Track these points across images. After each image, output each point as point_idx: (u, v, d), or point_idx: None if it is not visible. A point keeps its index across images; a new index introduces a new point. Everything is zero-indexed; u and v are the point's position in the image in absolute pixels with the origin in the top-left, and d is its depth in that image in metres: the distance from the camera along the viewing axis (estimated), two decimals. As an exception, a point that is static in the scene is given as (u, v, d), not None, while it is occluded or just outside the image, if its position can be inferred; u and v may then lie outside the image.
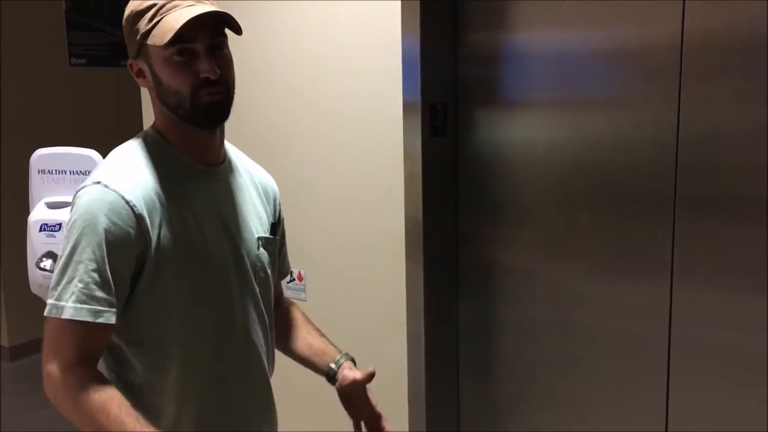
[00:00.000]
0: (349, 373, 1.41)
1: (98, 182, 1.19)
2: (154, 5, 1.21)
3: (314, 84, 2.19)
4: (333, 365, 1.44)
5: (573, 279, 2.02)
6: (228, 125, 1.32)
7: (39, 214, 2.22)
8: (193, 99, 1.22)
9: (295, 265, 2.29)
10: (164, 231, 1.21)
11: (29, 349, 4.50)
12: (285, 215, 2.26)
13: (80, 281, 1.15)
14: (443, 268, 2.15)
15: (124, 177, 1.21)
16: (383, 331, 2.16)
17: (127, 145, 1.30)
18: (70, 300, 1.15)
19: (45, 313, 1.18)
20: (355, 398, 1.41)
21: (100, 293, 1.16)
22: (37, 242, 2.19)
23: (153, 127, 1.32)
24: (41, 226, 2.18)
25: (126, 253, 1.18)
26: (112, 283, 1.17)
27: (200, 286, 1.26)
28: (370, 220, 2.14)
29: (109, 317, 1.17)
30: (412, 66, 2.00)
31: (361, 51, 2.09)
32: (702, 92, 1.75)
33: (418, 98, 2.00)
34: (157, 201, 1.21)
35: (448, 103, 2.09)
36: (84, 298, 1.15)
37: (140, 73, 1.27)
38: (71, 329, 1.16)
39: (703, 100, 1.75)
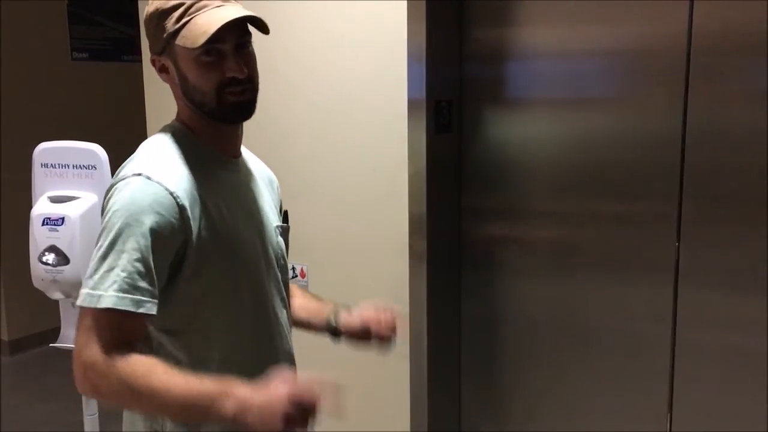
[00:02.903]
0: (360, 315, 1.49)
1: (139, 174, 1.19)
2: (181, 5, 1.22)
3: (319, 81, 2.18)
4: (332, 318, 1.50)
5: (577, 278, 2.01)
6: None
7: (42, 208, 2.21)
8: (219, 97, 1.25)
9: (298, 262, 2.30)
10: (203, 221, 1.22)
11: (28, 343, 4.50)
12: (289, 210, 2.26)
13: (123, 270, 1.14)
14: (446, 265, 2.15)
15: (163, 169, 1.22)
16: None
17: (158, 138, 1.30)
18: (110, 289, 1.14)
19: (79, 302, 1.16)
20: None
21: (143, 283, 1.15)
22: (39, 236, 2.18)
23: (178, 120, 1.33)
24: (44, 220, 2.17)
25: (169, 243, 1.19)
26: (154, 273, 1.17)
27: (238, 274, 1.28)
28: (373, 217, 2.14)
29: (150, 308, 1.17)
30: (418, 63, 1.99)
31: (367, 48, 2.08)
32: (708, 92, 1.75)
33: (423, 95, 2.00)
34: (195, 192, 1.23)
35: (453, 101, 2.09)
36: (127, 287, 1.14)
37: (164, 69, 1.29)
38: (111, 318, 1.15)
39: (709, 99, 1.75)
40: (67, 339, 2.35)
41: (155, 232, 1.16)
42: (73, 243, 2.16)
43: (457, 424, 2.26)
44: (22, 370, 4.33)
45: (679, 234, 1.82)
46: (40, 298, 2.35)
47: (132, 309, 1.15)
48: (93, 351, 1.14)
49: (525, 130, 2.04)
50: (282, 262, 1.42)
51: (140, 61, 2.60)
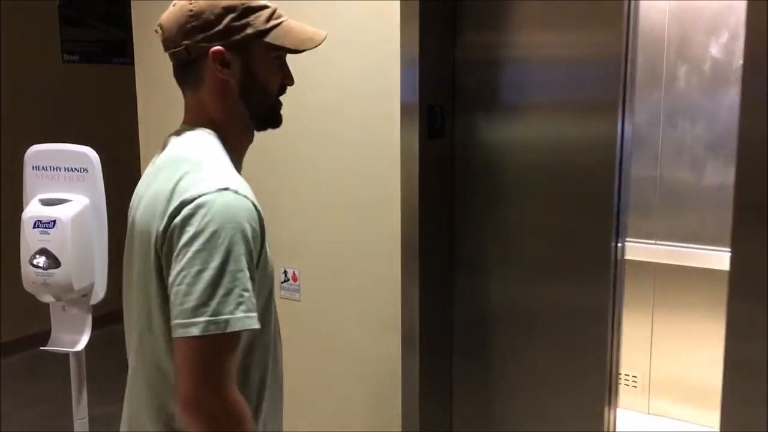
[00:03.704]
0: None
1: (226, 188, 1.14)
2: (266, 6, 1.27)
3: (311, 83, 2.18)
4: None
5: (566, 280, 2.02)
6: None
7: (33, 210, 2.20)
8: (275, 101, 1.33)
9: (290, 265, 2.30)
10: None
11: (22, 345, 4.47)
12: (280, 213, 2.26)
13: (245, 290, 1.11)
14: (439, 269, 2.15)
15: (239, 180, 1.20)
16: (378, 332, 2.16)
17: (211, 145, 1.25)
18: (238, 311, 1.10)
19: (198, 333, 1.08)
20: None
21: (254, 300, 1.14)
22: (30, 239, 2.17)
23: (210, 125, 1.28)
24: (35, 222, 2.16)
25: (256, 257, 1.18)
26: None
27: (270, 282, 1.29)
28: (366, 221, 2.14)
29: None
30: (411, 67, 2.00)
31: (360, 51, 2.08)
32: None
33: (416, 100, 2.00)
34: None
35: (446, 105, 2.10)
36: (251, 306, 1.12)
37: (226, 64, 1.24)
38: (235, 342, 1.12)
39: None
40: (57, 342, 2.33)
41: (255, 248, 1.16)
42: (64, 246, 2.15)
43: (449, 425, 2.26)
44: (16, 373, 4.31)
45: (617, 234, 1.90)
46: (35, 300, 2.34)
47: (257, 326, 1.13)
48: (213, 389, 1.10)
49: (517, 135, 2.05)
50: None
51: (132, 63, 2.59)
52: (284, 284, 2.30)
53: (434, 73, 2.05)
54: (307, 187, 2.24)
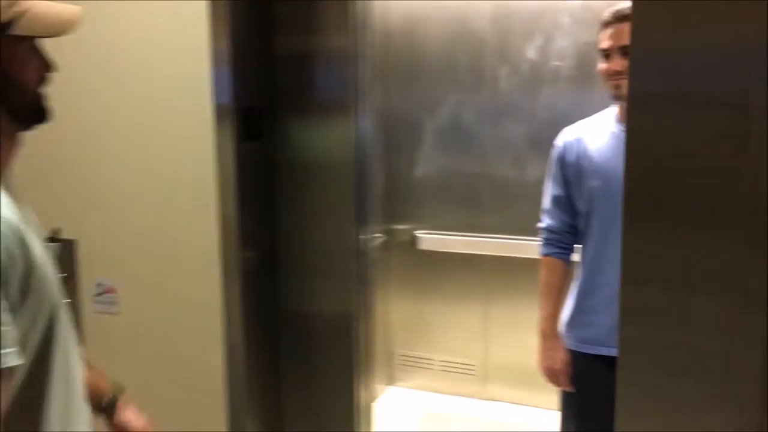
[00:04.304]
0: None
1: None
2: None
3: (117, 86, 2.07)
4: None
5: (332, 275, 2.12)
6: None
7: None
8: (35, 94, 1.17)
9: (107, 277, 2.19)
10: (32, 248, 1.10)
11: None
12: (93, 224, 2.15)
13: (5, 324, 1.02)
14: (260, 272, 2.13)
15: None
16: (200, 341, 2.11)
17: None
18: (6, 347, 1.02)
19: None
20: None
21: (14, 334, 1.04)
22: None
23: None
24: None
25: (18, 282, 1.06)
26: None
27: (45, 309, 1.16)
28: (183, 227, 2.08)
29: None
30: (223, 69, 1.95)
31: (168, 53, 2.01)
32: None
33: (230, 102, 1.96)
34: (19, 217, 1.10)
35: (262, 107, 2.08)
36: (10, 341, 1.03)
37: None
38: (7, 379, 1.03)
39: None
40: None
41: (17, 274, 1.04)
42: None
43: (281, 425, 2.26)
44: None
45: (359, 227, 2.10)
46: None
47: (19, 362, 1.04)
48: None
49: (330, 136, 2.08)
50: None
51: None
52: (99, 297, 2.19)
53: (249, 74, 2.02)
54: (120, 196, 2.14)
